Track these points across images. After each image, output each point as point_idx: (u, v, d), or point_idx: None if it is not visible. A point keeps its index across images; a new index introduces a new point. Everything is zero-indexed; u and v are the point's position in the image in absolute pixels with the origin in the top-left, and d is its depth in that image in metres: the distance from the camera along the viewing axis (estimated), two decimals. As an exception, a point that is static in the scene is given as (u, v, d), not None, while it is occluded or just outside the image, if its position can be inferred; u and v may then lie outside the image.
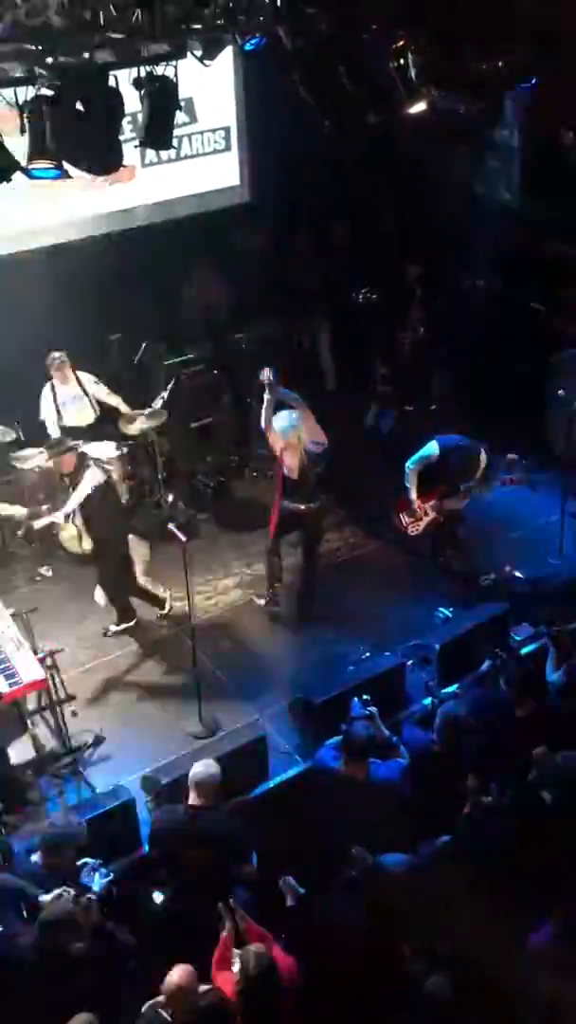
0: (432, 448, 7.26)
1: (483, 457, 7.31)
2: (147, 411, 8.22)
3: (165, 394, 8.30)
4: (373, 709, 5.31)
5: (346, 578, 7.92)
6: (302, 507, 7.27)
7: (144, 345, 8.85)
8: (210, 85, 8.59)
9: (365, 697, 5.43)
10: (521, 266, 9.29)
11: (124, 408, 8.31)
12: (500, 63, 6.77)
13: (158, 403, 8.27)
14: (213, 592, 7.80)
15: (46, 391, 8.12)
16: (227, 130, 9.25)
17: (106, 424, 8.39)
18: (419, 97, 6.65)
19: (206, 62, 6.05)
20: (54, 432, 8.13)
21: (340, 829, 4.89)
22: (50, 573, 7.94)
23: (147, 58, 5.67)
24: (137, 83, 5.63)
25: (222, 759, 5.52)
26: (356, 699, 5.40)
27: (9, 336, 7.85)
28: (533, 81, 7.69)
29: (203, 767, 4.87)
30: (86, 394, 8.22)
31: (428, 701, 6.04)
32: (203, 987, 4.05)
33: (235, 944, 4.34)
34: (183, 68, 5.81)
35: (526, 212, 9.35)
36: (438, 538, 7.71)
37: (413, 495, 7.42)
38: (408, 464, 7.37)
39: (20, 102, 5.23)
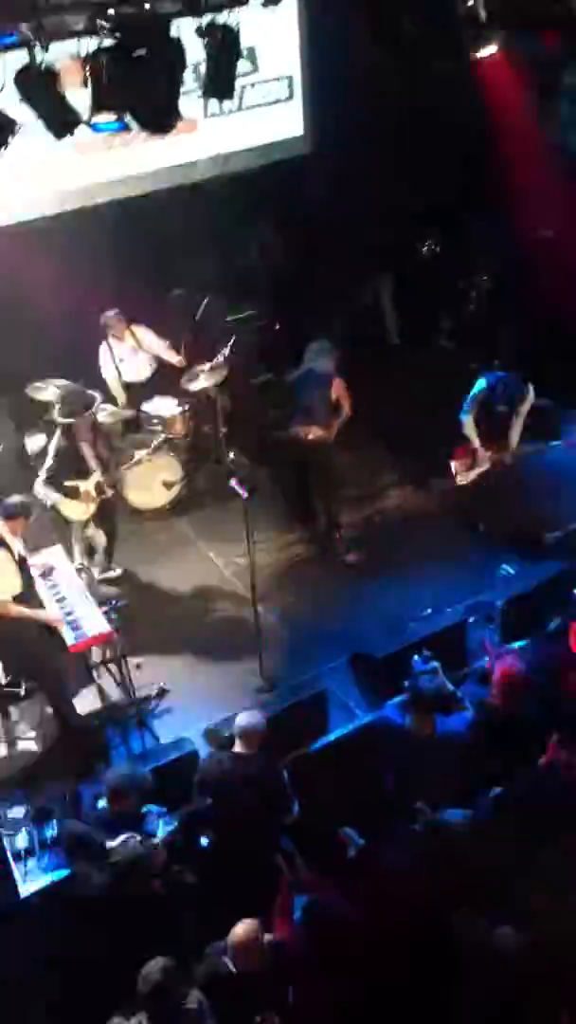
0: (480, 384, 7.24)
1: (531, 390, 7.25)
2: (208, 367, 8.22)
3: (226, 350, 8.29)
4: (436, 663, 5.29)
5: (408, 533, 7.89)
6: (300, 432, 7.40)
7: (205, 300, 8.82)
8: (273, 33, 8.43)
9: (426, 652, 5.42)
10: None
11: (184, 364, 8.33)
12: (572, 4, 6.53)
13: (219, 359, 8.27)
14: (274, 548, 7.83)
15: (103, 351, 8.18)
16: (290, 79, 9.07)
17: (167, 381, 8.43)
18: (489, 40, 6.46)
19: (269, 8, 5.93)
20: (116, 390, 8.21)
21: (406, 784, 4.93)
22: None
23: (209, 6, 5.58)
24: (200, 32, 5.55)
25: (283, 713, 5.60)
26: (417, 656, 5.39)
27: (72, 293, 7.88)
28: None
29: (248, 716, 4.98)
30: (141, 348, 8.27)
31: (487, 659, 6.00)
32: (266, 937, 4.13)
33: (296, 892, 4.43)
34: (245, 15, 5.71)
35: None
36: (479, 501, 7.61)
37: (477, 443, 7.34)
38: (462, 414, 7.30)
39: (83, 55, 5.21)
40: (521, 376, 7.24)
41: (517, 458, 7.43)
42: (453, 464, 7.49)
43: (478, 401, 7.24)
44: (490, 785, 4.81)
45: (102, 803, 4.83)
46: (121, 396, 8.26)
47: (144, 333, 8.29)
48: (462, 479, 7.49)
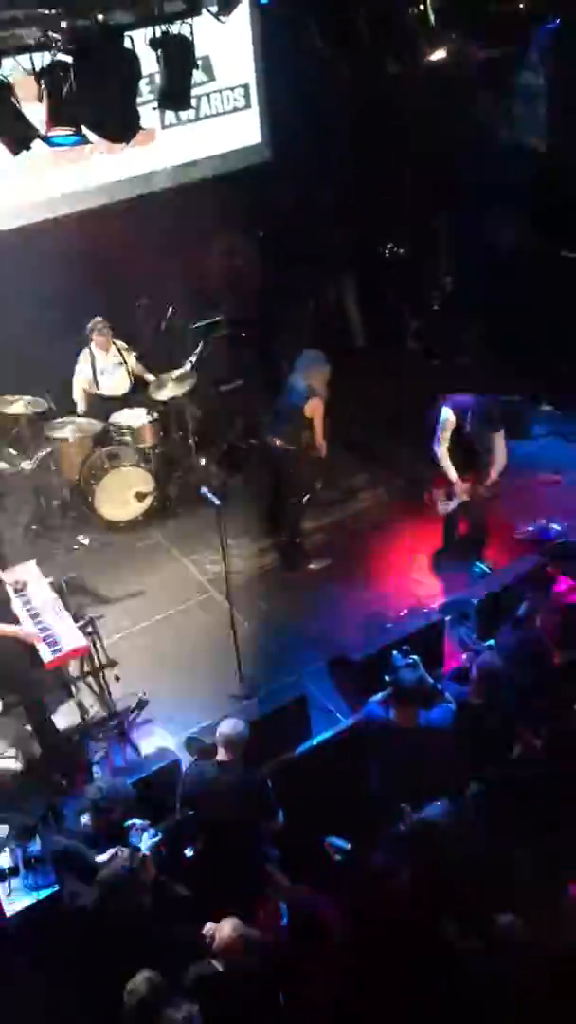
0: (446, 414, 6.98)
1: (501, 427, 7.07)
2: (176, 375, 8.22)
3: (193, 358, 8.30)
4: (415, 657, 5.33)
5: (381, 536, 7.93)
6: (270, 441, 7.41)
7: (170, 310, 8.83)
8: (227, 42, 8.48)
9: (405, 648, 5.45)
10: (551, 212, 9.11)
11: (151, 378, 8.34)
12: (521, 4, 6.60)
13: (186, 367, 8.27)
14: (249, 555, 7.84)
15: (84, 356, 8.15)
16: (246, 87, 9.12)
17: (135, 391, 8.42)
18: (440, 43, 6.52)
19: (222, 18, 5.95)
20: (79, 399, 8.18)
21: (391, 777, 4.95)
22: (87, 541, 8.02)
23: (162, 16, 5.60)
24: (153, 43, 5.57)
25: (263, 719, 5.60)
26: (396, 652, 5.42)
27: (35, 307, 7.86)
28: (556, 21, 7.51)
29: (231, 724, 4.97)
30: (124, 363, 8.26)
31: (465, 658, 6.05)
32: (252, 934, 4.13)
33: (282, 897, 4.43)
34: (199, 26, 5.73)
35: (554, 156, 9.14)
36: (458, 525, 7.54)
37: (454, 476, 7.10)
38: (434, 446, 7.09)
39: (37, 69, 5.20)
40: (491, 400, 7.04)
41: (495, 489, 7.22)
42: (434, 493, 7.37)
43: (447, 431, 7.02)
44: (472, 780, 4.85)
45: (85, 818, 4.80)
46: (81, 403, 8.22)
47: (124, 348, 8.28)
48: (442, 509, 7.35)
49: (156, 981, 3.83)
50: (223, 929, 4.03)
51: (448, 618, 6.66)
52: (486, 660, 5.30)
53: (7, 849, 5.16)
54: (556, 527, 7.48)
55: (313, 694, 6.29)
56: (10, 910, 4.80)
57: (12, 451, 7.93)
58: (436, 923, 4.05)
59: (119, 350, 8.24)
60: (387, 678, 5.18)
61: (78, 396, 8.23)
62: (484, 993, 3.83)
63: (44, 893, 4.86)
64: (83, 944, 4.31)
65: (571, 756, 4.82)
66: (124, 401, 8.31)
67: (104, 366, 8.18)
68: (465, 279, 9.71)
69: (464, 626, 6.65)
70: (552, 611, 5.78)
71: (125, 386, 8.33)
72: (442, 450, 7.07)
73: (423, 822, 4.49)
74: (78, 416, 8.14)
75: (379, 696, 5.26)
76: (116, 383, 8.28)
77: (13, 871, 5.03)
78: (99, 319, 8.06)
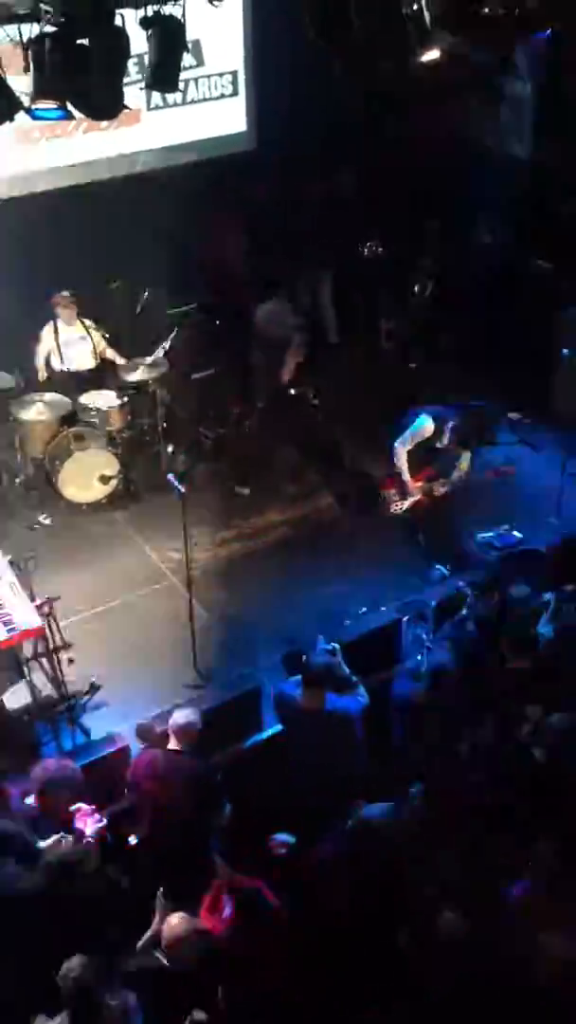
0: (425, 423, 7.01)
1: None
2: (148, 360, 8.16)
3: (166, 344, 8.24)
4: (335, 645, 5.35)
5: (344, 534, 7.93)
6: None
7: (145, 293, 8.76)
8: (218, 27, 8.42)
9: (334, 644, 5.48)
10: (531, 221, 9.16)
11: (120, 361, 8.27)
12: (516, 11, 6.59)
13: (159, 352, 8.21)
14: (211, 544, 7.82)
15: (47, 329, 8.07)
16: (234, 74, 9.08)
17: (105, 374, 8.35)
18: (433, 44, 6.49)
19: (214, 3, 5.90)
20: (41, 367, 8.11)
21: (300, 760, 5.07)
22: (48, 521, 7.94)
23: (154, -4, 5.53)
24: (144, 22, 5.51)
25: (216, 710, 5.59)
26: (321, 637, 5.45)
27: (7, 283, 7.77)
28: (548, 32, 7.54)
29: (184, 714, 4.97)
30: (90, 338, 8.18)
31: (420, 657, 6.07)
32: (199, 930, 4.13)
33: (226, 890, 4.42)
34: (190, 9, 5.68)
35: (537, 166, 9.19)
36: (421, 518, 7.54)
37: (407, 476, 7.15)
38: (396, 443, 7.11)
39: (24, 39, 5.12)
40: (470, 417, 7.10)
41: (449, 488, 7.28)
42: (384, 494, 7.37)
43: (418, 438, 7.05)
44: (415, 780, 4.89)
45: (30, 800, 4.76)
46: (43, 372, 8.16)
47: (91, 326, 8.20)
48: (396, 509, 7.35)
49: (90, 965, 3.80)
50: (172, 922, 4.01)
51: (406, 618, 6.69)
52: (437, 659, 5.35)
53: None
54: (516, 534, 7.54)
55: (267, 687, 6.28)
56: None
57: None
58: (377, 921, 4.07)
59: (85, 327, 8.16)
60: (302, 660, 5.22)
61: (40, 364, 8.16)
62: (426, 987, 3.87)
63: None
64: (21, 928, 4.27)
65: (514, 761, 4.88)
66: (93, 382, 8.23)
67: (68, 339, 8.12)
68: (444, 283, 9.73)
69: (421, 626, 6.68)
70: (505, 618, 5.83)
71: (89, 362, 8.26)
72: (403, 452, 7.11)
73: (364, 822, 4.52)
74: (43, 388, 8.03)
75: (295, 678, 5.29)
76: (81, 358, 8.20)
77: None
78: (65, 292, 7.99)
